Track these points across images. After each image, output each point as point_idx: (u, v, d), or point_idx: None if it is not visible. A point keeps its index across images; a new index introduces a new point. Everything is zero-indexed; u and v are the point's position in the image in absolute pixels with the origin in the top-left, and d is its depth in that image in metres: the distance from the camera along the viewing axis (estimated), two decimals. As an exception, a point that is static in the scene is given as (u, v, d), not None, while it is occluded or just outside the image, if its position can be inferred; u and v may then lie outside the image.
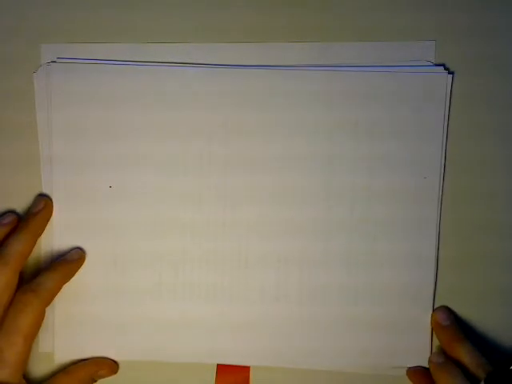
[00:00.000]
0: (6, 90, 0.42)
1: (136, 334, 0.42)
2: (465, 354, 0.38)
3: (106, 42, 0.41)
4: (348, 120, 0.41)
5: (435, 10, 0.41)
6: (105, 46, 0.41)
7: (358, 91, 0.41)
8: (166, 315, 0.42)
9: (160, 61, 0.41)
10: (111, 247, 0.42)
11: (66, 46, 0.41)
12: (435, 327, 0.41)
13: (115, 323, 0.42)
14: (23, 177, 0.42)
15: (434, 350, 0.41)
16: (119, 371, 0.42)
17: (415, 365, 0.41)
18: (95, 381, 0.42)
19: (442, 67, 0.41)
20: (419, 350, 0.41)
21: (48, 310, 0.39)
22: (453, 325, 0.40)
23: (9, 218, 0.41)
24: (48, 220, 0.41)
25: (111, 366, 0.42)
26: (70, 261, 0.41)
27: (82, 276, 0.41)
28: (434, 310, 0.41)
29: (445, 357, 0.40)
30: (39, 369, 0.42)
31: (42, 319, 0.39)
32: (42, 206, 0.41)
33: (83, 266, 0.41)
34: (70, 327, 0.42)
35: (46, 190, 0.42)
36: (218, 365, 0.42)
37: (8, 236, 0.40)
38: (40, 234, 0.41)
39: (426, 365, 0.41)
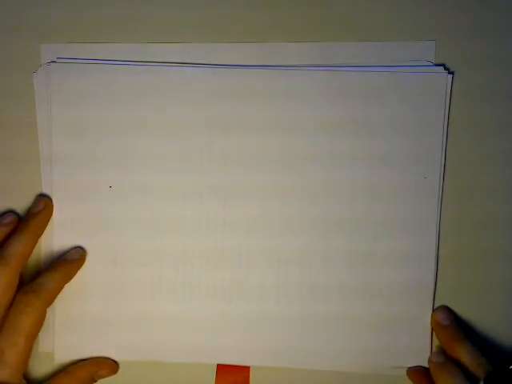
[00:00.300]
0: (6, 89, 0.42)
1: (136, 333, 0.42)
2: (465, 354, 0.38)
3: (106, 41, 0.41)
4: (348, 120, 0.41)
5: (435, 10, 0.41)
6: (105, 45, 0.41)
7: (357, 91, 0.41)
8: (166, 315, 0.42)
9: (160, 61, 0.41)
10: (111, 247, 0.42)
11: (66, 46, 0.41)
12: (435, 327, 0.41)
13: (115, 323, 0.42)
14: (23, 177, 0.42)
15: (433, 350, 0.41)
16: (119, 371, 0.42)
17: (415, 365, 0.41)
18: (95, 381, 0.42)
19: (441, 67, 0.41)
20: (419, 349, 0.41)
21: (48, 309, 0.39)
22: (453, 324, 0.40)
23: (9, 218, 0.41)
24: (48, 220, 0.41)
25: (111, 365, 0.42)
26: (70, 261, 0.41)
27: (83, 276, 0.41)
28: (433, 310, 0.41)
29: (445, 356, 0.40)
30: (39, 369, 0.42)
31: (43, 319, 0.39)
32: (42, 207, 0.41)
33: (83, 266, 0.41)
34: (70, 327, 0.42)
35: (45, 190, 0.42)
36: (218, 365, 0.42)
37: (8, 236, 0.40)
38: (40, 235, 0.41)
39: (425, 365, 0.41)
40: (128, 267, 0.42)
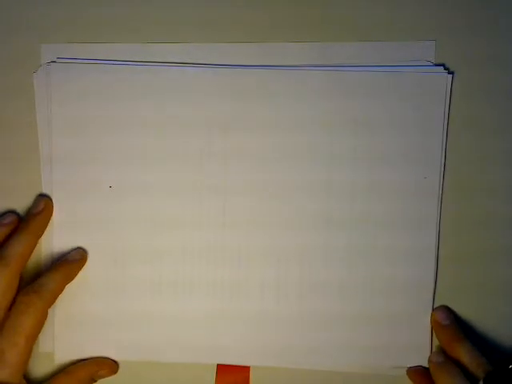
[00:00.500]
0: (6, 89, 0.42)
1: (136, 333, 0.42)
2: (464, 354, 0.38)
3: (106, 41, 0.41)
4: (348, 119, 0.41)
5: (435, 10, 0.41)
6: (105, 45, 0.41)
7: (357, 91, 0.41)
8: (166, 314, 0.42)
9: (160, 61, 0.41)
10: (111, 246, 0.42)
11: (66, 46, 0.41)
12: (435, 327, 0.41)
13: (115, 323, 0.42)
14: (23, 177, 0.42)
15: (433, 350, 0.41)
16: (119, 371, 0.42)
17: (415, 364, 0.41)
18: (95, 381, 0.42)
19: (441, 67, 0.41)
20: (419, 349, 0.41)
21: (49, 310, 0.39)
22: (452, 324, 0.40)
23: (9, 219, 0.41)
24: (48, 220, 0.41)
25: (111, 365, 0.42)
26: (71, 261, 0.41)
27: (83, 276, 0.41)
28: (433, 309, 0.41)
29: (444, 356, 0.40)
30: (39, 369, 0.42)
31: (45, 320, 0.39)
32: (42, 207, 0.41)
33: (84, 266, 0.41)
34: (70, 327, 0.42)
35: (45, 190, 0.42)
36: (218, 365, 0.42)
37: (9, 237, 0.40)
38: (41, 235, 0.41)
39: (425, 364, 0.41)
40: (128, 266, 0.42)
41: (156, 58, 0.41)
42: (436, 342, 0.41)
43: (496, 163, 0.41)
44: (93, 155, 0.41)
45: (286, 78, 0.41)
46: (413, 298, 0.41)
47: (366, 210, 0.41)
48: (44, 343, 0.42)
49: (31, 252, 0.40)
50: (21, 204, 0.42)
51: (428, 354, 0.41)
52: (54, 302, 0.39)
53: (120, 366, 0.42)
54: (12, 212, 0.42)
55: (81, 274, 0.41)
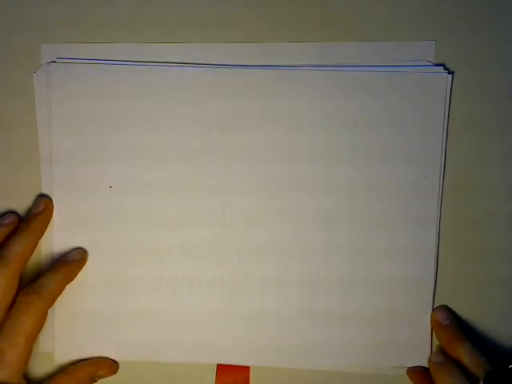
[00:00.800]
0: (6, 89, 0.42)
1: (136, 332, 0.42)
2: (464, 354, 0.38)
3: (106, 41, 0.41)
4: (348, 119, 0.41)
5: (435, 10, 0.41)
6: (105, 45, 0.41)
7: (357, 91, 0.41)
8: (166, 314, 0.42)
9: (160, 61, 0.41)
10: (111, 246, 0.42)
11: (66, 46, 0.41)
12: (435, 327, 0.41)
13: (116, 323, 0.42)
14: (23, 177, 0.42)
15: (433, 350, 0.41)
16: (119, 371, 0.42)
17: (415, 364, 0.41)
18: (95, 381, 0.42)
19: (441, 67, 0.41)
20: (419, 349, 0.41)
21: (49, 310, 0.39)
22: (452, 324, 0.40)
23: (10, 219, 0.41)
24: (49, 221, 0.41)
25: (111, 366, 0.42)
26: (71, 261, 0.41)
27: (83, 275, 0.41)
28: (433, 309, 0.41)
29: (444, 356, 0.40)
30: (39, 369, 0.42)
31: (44, 320, 0.39)
32: (42, 207, 0.41)
33: (84, 266, 0.41)
34: (70, 327, 0.42)
35: (45, 190, 0.42)
36: (218, 365, 0.42)
37: (9, 237, 0.40)
38: (41, 235, 0.41)
39: (425, 364, 0.41)
40: (128, 266, 0.42)
41: (156, 57, 0.41)
42: (436, 342, 0.41)
43: (496, 163, 0.41)
44: (93, 155, 0.41)
45: (286, 77, 0.41)
46: (413, 298, 0.41)
47: (365, 210, 0.41)
48: (44, 343, 0.42)
49: (31, 252, 0.40)
50: (21, 204, 0.42)
51: (428, 353, 0.41)
52: (53, 302, 0.39)
53: (120, 365, 0.42)
54: (12, 212, 0.42)
55: (81, 273, 0.41)
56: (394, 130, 0.41)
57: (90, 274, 0.42)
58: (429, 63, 0.41)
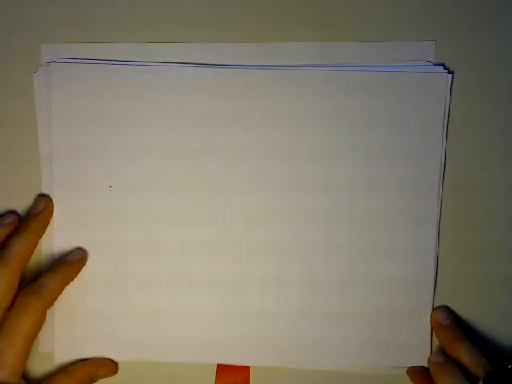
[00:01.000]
0: (6, 89, 0.42)
1: (136, 332, 0.42)
2: (464, 354, 0.38)
3: (106, 41, 0.41)
4: (348, 119, 0.41)
5: (435, 10, 0.41)
6: (105, 45, 0.41)
7: (357, 91, 0.41)
8: (165, 312, 0.42)
9: (160, 61, 0.41)
10: (112, 246, 0.42)
11: (66, 46, 0.41)
12: (435, 327, 0.41)
13: (116, 322, 0.42)
14: (23, 177, 0.42)
15: (433, 350, 0.41)
16: (119, 371, 0.42)
17: (415, 364, 0.41)
18: (94, 381, 0.42)
19: (441, 67, 0.41)
20: (419, 349, 0.41)
21: (48, 310, 0.39)
22: (452, 324, 0.40)
23: (10, 219, 0.41)
24: (49, 221, 0.41)
25: (111, 366, 0.42)
26: (71, 262, 0.41)
27: (83, 275, 0.41)
28: (433, 309, 0.41)
29: (444, 356, 0.40)
30: (39, 369, 0.42)
31: (44, 321, 0.39)
32: (42, 207, 0.41)
33: (84, 267, 0.41)
34: (70, 327, 0.42)
35: (45, 190, 0.42)
36: (218, 365, 0.42)
37: (9, 237, 0.40)
38: (41, 235, 0.41)
39: (425, 364, 0.41)
40: (128, 265, 0.42)
41: (156, 58, 0.41)
42: (436, 342, 0.41)
43: (496, 163, 0.41)
44: (93, 155, 0.41)
45: (286, 77, 0.41)
46: (413, 297, 0.41)
47: (365, 209, 0.41)
48: (44, 343, 0.42)
49: (32, 252, 0.40)
50: (21, 204, 0.42)
51: (428, 353, 0.41)
52: (53, 302, 0.39)
53: (120, 366, 0.42)
54: (13, 212, 0.42)
55: (81, 273, 0.41)
56: (394, 130, 0.41)
57: (90, 274, 0.42)
58: (429, 63, 0.41)
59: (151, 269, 0.42)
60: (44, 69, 0.41)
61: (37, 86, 0.42)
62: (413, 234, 0.41)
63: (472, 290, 0.41)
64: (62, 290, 0.40)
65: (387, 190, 0.41)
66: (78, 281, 0.41)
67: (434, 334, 0.41)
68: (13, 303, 0.38)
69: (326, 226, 0.41)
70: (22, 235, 0.40)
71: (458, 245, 0.41)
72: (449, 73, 0.41)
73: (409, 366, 0.41)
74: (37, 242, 0.40)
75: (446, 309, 0.41)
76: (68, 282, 0.40)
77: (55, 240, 0.42)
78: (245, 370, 0.42)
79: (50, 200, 0.42)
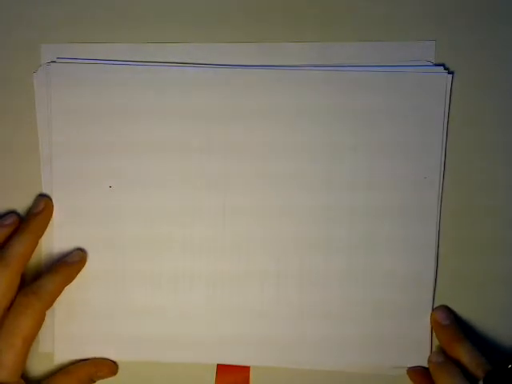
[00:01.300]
0: (6, 89, 0.42)
1: (137, 331, 0.42)
2: (464, 354, 0.38)
3: (106, 42, 0.41)
4: (348, 119, 0.41)
5: (435, 10, 0.41)
6: (105, 45, 0.41)
7: (357, 91, 0.41)
8: (166, 310, 0.42)
9: (160, 61, 0.41)
10: (112, 245, 0.42)
11: (66, 46, 0.41)
12: (435, 327, 0.41)
13: (116, 323, 0.42)
14: (23, 176, 0.42)
15: (433, 350, 0.41)
16: (119, 371, 0.42)
17: (415, 364, 0.41)
18: (94, 381, 0.42)
19: (441, 67, 0.41)
20: (419, 349, 0.41)
21: (48, 310, 0.39)
22: (452, 324, 0.40)
23: (10, 219, 0.41)
24: (49, 220, 0.41)
25: (110, 367, 0.42)
26: (71, 263, 0.41)
27: (83, 275, 0.41)
28: (433, 309, 0.41)
29: (444, 356, 0.40)
30: (39, 369, 0.42)
31: (43, 321, 0.39)
32: (42, 207, 0.41)
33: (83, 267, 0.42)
34: (70, 327, 0.42)
35: (45, 190, 0.42)
36: (218, 365, 0.42)
37: (9, 237, 0.40)
38: (41, 235, 0.41)
39: (425, 364, 0.41)
40: (128, 264, 0.42)
41: (156, 58, 0.41)
42: (436, 342, 0.41)
43: (496, 162, 0.41)
44: (93, 155, 0.41)
45: (286, 77, 0.41)
46: (413, 297, 0.41)
47: (365, 208, 0.41)
48: (44, 343, 0.42)
49: (32, 252, 0.40)
50: (21, 204, 0.42)
51: (428, 353, 0.41)
52: (52, 303, 0.39)
53: (120, 366, 0.42)
54: (13, 212, 0.42)
55: (81, 272, 0.41)
56: (394, 130, 0.41)
57: (90, 273, 0.42)
58: (429, 63, 0.41)
59: (151, 268, 0.42)
60: (44, 69, 0.41)
61: (37, 86, 0.42)
62: (413, 233, 0.41)
63: (472, 289, 0.41)
64: (61, 291, 0.40)
65: (387, 190, 0.41)
66: (78, 280, 0.41)
67: (434, 333, 0.41)
68: (12, 303, 0.38)
69: (326, 224, 0.41)
70: (22, 235, 0.40)
71: (458, 244, 0.41)
72: (449, 73, 0.41)
73: (409, 366, 0.41)
74: (37, 242, 0.40)
75: (446, 309, 0.41)
76: (67, 283, 0.40)
77: (55, 240, 0.42)
78: (245, 370, 0.42)
79: (50, 200, 0.42)
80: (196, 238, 0.41)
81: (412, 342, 0.41)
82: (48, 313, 0.39)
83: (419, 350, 0.41)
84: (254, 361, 0.42)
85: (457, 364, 0.38)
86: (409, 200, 0.41)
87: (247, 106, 0.41)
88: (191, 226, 0.41)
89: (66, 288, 0.40)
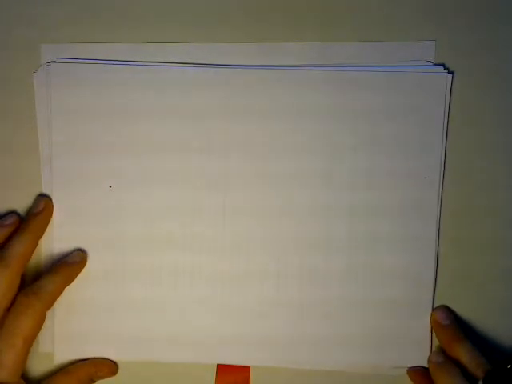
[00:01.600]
0: (6, 89, 0.42)
1: (137, 331, 0.42)
2: (464, 354, 0.39)
3: (106, 42, 0.41)
4: (348, 119, 0.41)
5: (435, 10, 0.41)
6: (105, 45, 0.41)
7: (357, 91, 0.41)
8: (166, 314, 0.42)
9: (160, 61, 0.41)
10: (112, 245, 0.42)
11: (66, 46, 0.41)
12: (435, 326, 0.41)
13: (115, 321, 0.42)
14: (23, 177, 0.42)
15: (433, 350, 0.41)
16: (119, 371, 0.42)
17: (415, 364, 0.41)
18: (94, 381, 0.42)
19: (441, 67, 0.41)
20: (419, 349, 0.41)
21: (48, 310, 0.39)
22: (452, 324, 0.40)
23: (11, 220, 0.41)
24: (49, 220, 0.41)
25: (110, 367, 0.42)
26: (71, 263, 0.41)
27: (83, 274, 0.41)
28: (433, 309, 0.41)
29: (444, 356, 0.40)
30: (39, 369, 0.42)
31: (43, 322, 0.39)
32: (42, 207, 0.41)
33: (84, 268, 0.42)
34: (70, 327, 0.42)
35: (45, 190, 0.42)
36: (218, 365, 0.42)
37: (9, 237, 0.40)
38: (41, 235, 0.41)
39: (425, 364, 0.41)
40: (128, 262, 0.41)
41: (156, 58, 0.41)
42: (436, 342, 0.41)
43: (496, 162, 0.41)
44: (92, 155, 0.41)
45: (286, 77, 0.41)
46: (413, 297, 0.41)
47: (365, 207, 0.41)
48: (44, 343, 0.42)
49: (32, 252, 0.40)
50: (21, 204, 0.42)
51: (428, 353, 0.41)
52: (52, 304, 0.39)
53: (120, 366, 0.42)
54: (13, 213, 0.42)
55: (81, 275, 0.41)
56: (394, 130, 0.41)
57: (90, 273, 0.42)
58: (429, 63, 0.41)
59: (151, 267, 0.42)
60: (44, 69, 0.41)
61: (37, 86, 0.42)
62: (413, 234, 0.41)
63: (472, 289, 0.41)
64: (61, 292, 0.40)
65: (387, 190, 0.41)
66: (79, 280, 0.41)
67: (434, 333, 0.41)
68: (13, 303, 0.38)
69: (326, 224, 0.41)
70: (22, 235, 0.40)
71: (458, 243, 0.41)
72: (449, 73, 0.41)
73: (409, 366, 0.41)
74: (37, 242, 0.40)
75: (446, 309, 0.41)
76: (67, 284, 0.40)
77: (55, 240, 0.42)
78: (245, 370, 0.42)
79: (50, 200, 0.42)
80: (196, 237, 0.41)
81: (412, 342, 0.41)
82: (48, 313, 0.39)
83: (419, 349, 0.41)
84: (254, 361, 0.42)
85: (457, 364, 0.39)
86: (409, 200, 0.41)
87: (247, 106, 0.41)
88: (191, 226, 0.41)
89: (66, 288, 0.40)
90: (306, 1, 0.41)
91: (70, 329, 0.42)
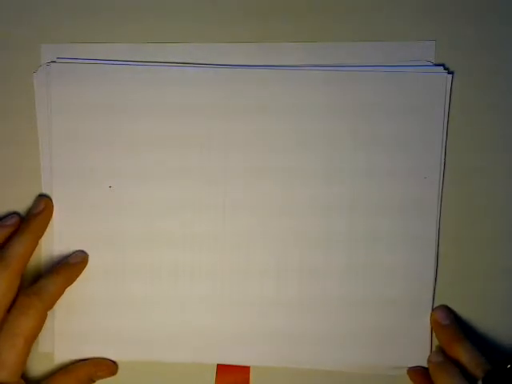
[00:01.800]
0: (6, 90, 0.42)
1: (137, 331, 0.42)
2: (464, 354, 0.38)
3: (106, 42, 0.41)
4: (348, 119, 0.41)
5: (435, 10, 0.41)
6: (105, 45, 0.41)
7: (357, 91, 0.41)
8: (166, 314, 0.42)
9: (160, 61, 0.41)
10: (112, 244, 0.42)
11: (66, 46, 0.41)
12: (435, 326, 0.41)
13: (116, 323, 0.42)
14: (23, 177, 0.42)
15: (433, 350, 0.41)
16: (119, 371, 0.42)
17: (415, 364, 0.41)
18: (94, 381, 0.42)
19: (441, 67, 0.41)
20: (419, 349, 0.41)
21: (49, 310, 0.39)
22: (452, 324, 0.40)
23: (12, 220, 0.41)
24: (49, 221, 0.41)
25: (110, 367, 0.42)
26: (72, 264, 0.41)
27: (84, 273, 0.41)
28: (433, 309, 0.41)
29: (444, 356, 0.40)
30: (39, 369, 0.42)
31: (44, 322, 0.39)
32: (42, 207, 0.41)
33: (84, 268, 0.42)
34: (70, 326, 0.42)
35: (45, 190, 0.42)
36: (218, 365, 0.42)
37: (9, 238, 0.40)
38: (41, 236, 0.41)
39: (425, 364, 0.41)
40: (128, 261, 0.42)
41: (156, 57, 0.41)
42: (436, 342, 0.41)
43: (496, 162, 0.41)
44: (92, 155, 0.41)
45: (286, 77, 0.41)
46: (413, 295, 0.41)
47: (366, 205, 0.41)
48: (44, 343, 0.42)
49: (32, 252, 0.40)
50: (21, 204, 0.42)
51: (428, 353, 0.41)
52: (53, 304, 0.39)
53: (120, 366, 0.42)
54: (14, 213, 0.42)
55: (82, 275, 0.41)
56: (394, 130, 0.41)
57: (90, 273, 0.42)
58: (429, 63, 0.41)
59: (151, 265, 0.42)
60: (44, 69, 0.41)
61: (37, 86, 0.42)
62: (413, 232, 0.41)
63: (472, 288, 0.41)
64: (62, 292, 0.40)
65: (387, 189, 0.41)
66: (79, 280, 0.41)
67: (433, 333, 0.41)
68: (12, 304, 0.38)
69: (326, 221, 0.41)
70: (22, 236, 0.40)
71: (458, 243, 0.41)
72: (449, 73, 0.41)
73: (409, 366, 0.41)
74: (37, 242, 0.40)
75: (446, 308, 0.41)
76: (68, 284, 0.41)
77: (55, 240, 0.42)
78: (245, 370, 0.42)
79: (50, 200, 0.42)
80: (196, 235, 0.41)
81: (412, 342, 0.41)
82: (48, 313, 0.39)
83: (419, 349, 0.41)
84: (254, 361, 0.42)
85: (456, 364, 0.39)
86: (409, 200, 0.41)
87: (247, 105, 0.41)
88: (191, 224, 0.41)
89: (67, 290, 0.40)
90: (306, 1, 0.41)
91: (70, 329, 0.42)
